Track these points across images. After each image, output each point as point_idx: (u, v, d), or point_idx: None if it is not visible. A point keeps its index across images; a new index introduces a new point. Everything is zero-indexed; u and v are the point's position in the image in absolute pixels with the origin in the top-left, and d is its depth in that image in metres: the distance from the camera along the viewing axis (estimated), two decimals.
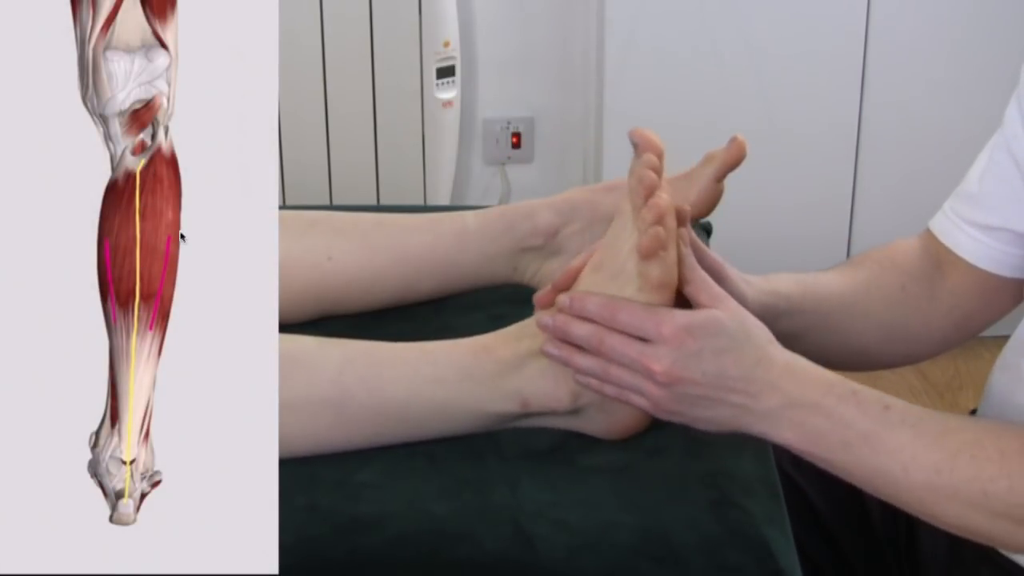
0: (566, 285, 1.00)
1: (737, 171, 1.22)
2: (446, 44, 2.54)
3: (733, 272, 1.05)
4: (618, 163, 2.57)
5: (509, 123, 2.77)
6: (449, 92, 2.58)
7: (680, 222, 0.98)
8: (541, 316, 0.98)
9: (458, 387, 1.00)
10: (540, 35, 2.71)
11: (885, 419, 0.91)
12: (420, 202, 2.61)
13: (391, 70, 2.51)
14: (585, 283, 0.98)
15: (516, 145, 2.78)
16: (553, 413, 1.01)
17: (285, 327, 0.97)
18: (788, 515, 0.97)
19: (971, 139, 1.16)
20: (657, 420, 1.03)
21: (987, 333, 1.16)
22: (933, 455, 0.88)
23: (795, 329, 1.05)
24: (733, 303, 0.96)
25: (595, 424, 1.01)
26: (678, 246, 0.97)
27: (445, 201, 2.66)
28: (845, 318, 1.11)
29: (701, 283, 0.96)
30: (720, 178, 1.23)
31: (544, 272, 1.20)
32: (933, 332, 1.14)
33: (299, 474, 0.97)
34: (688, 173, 1.24)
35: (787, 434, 0.93)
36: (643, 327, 0.93)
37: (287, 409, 0.95)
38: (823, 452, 0.92)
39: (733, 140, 1.21)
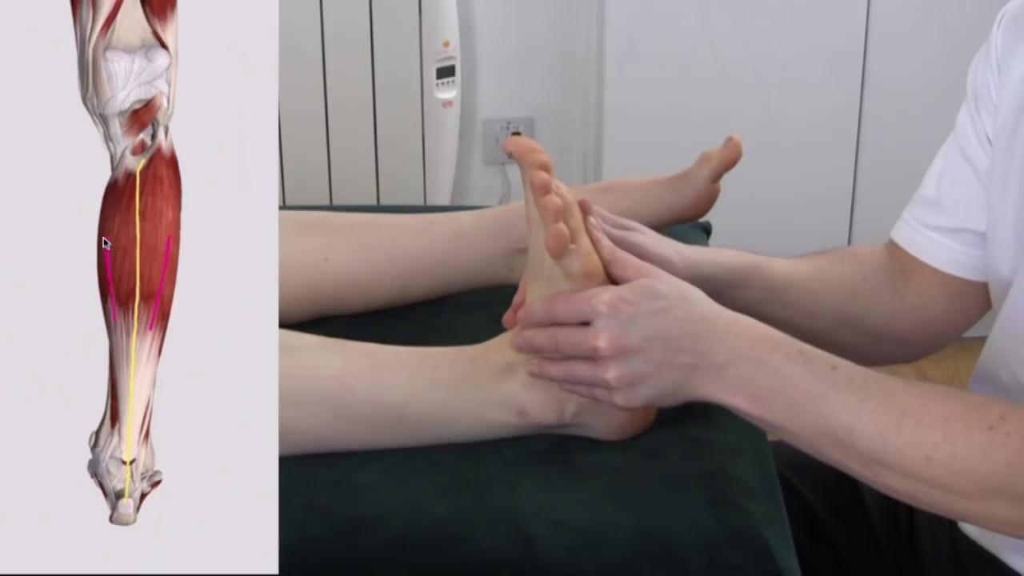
0: (521, 302, 1.01)
1: (738, 170, 1.22)
2: (446, 44, 2.54)
3: (666, 249, 1.06)
4: (618, 163, 2.58)
5: (509, 123, 2.77)
6: (449, 92, 2.58)
7: (585, 211, 1.00)
8: (513, 337, 0.99)
9: (456, 391, 1.00)
10: (540, 35, 2.71)
11: (832, 379, 0.90)
12: (420, 202, 2.61)
13: (391, 70, 2.51)
14: (530, 295, 0.99)
15: None
16: (550, 427, 1.01)
17: (283, 328, 0.97)
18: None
19: None
20: (656, 420, 1.03)
21: (985, 333, 1.16)
22: (878, 418, 0.88)
23: (745, 303, 1.05)
24: (662, 271, 0.97)
25: (594, 429, 1.02)
26: (589, 233, 0.98)
27: (445, 201, 2.65)
28: (797, 296, 1.11)
29: (624, 261, 0.98)
30: (716, 179, 1.22)
31: None
32: (896, 332, 1.14)
33: (298, 474, 0.97)
34: (684, 173, 1.24)
35: (737, 396, 0.92)
36: (580, 310, 0.94)
37: (287, 400, 0.95)
38: (772, 415, 0.91)
39: (729, 140, 1.21)
